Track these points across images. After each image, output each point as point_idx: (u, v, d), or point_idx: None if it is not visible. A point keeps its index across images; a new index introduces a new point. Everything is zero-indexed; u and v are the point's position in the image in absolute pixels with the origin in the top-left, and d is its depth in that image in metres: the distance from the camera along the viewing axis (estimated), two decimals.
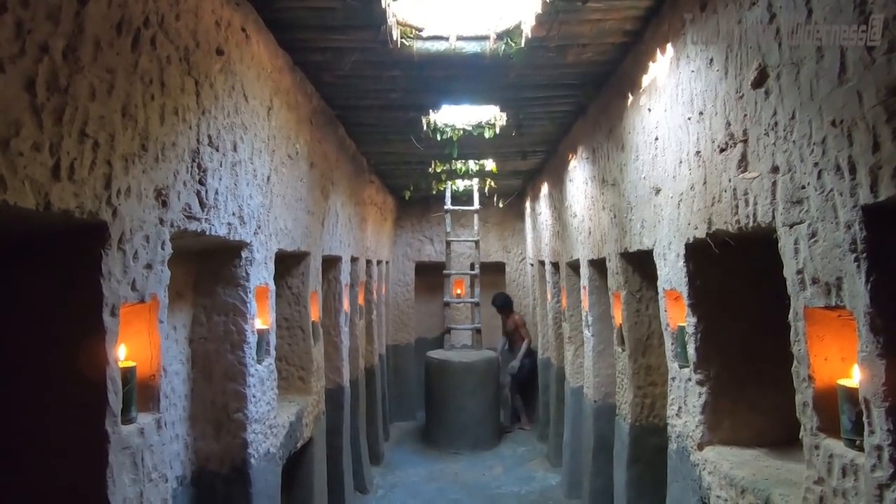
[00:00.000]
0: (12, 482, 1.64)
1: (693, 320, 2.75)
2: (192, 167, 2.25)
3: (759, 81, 1.96)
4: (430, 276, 10.16)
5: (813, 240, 1.70)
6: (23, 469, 1.64)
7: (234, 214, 2.68)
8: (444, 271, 8.93)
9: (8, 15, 1.28)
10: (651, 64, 3.12)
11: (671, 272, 2.98)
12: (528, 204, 9.28)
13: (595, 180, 4.64)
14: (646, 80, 3.23)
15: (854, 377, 1.70)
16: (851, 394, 1.65)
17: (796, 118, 1.74)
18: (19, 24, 1.31)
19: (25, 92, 1.35)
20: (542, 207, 7.65)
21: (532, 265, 9.40)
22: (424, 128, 5.13)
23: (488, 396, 8.09)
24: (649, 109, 3.20)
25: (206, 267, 2.93)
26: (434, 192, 8.97)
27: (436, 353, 8.43)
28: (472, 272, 9.01)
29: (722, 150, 2.30)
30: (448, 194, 8.74)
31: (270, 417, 3.23)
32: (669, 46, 2.84)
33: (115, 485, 1.69)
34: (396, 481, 6.72)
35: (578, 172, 5.27)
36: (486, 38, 3.55)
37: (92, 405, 1.66)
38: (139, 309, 1.98)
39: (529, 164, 7.19)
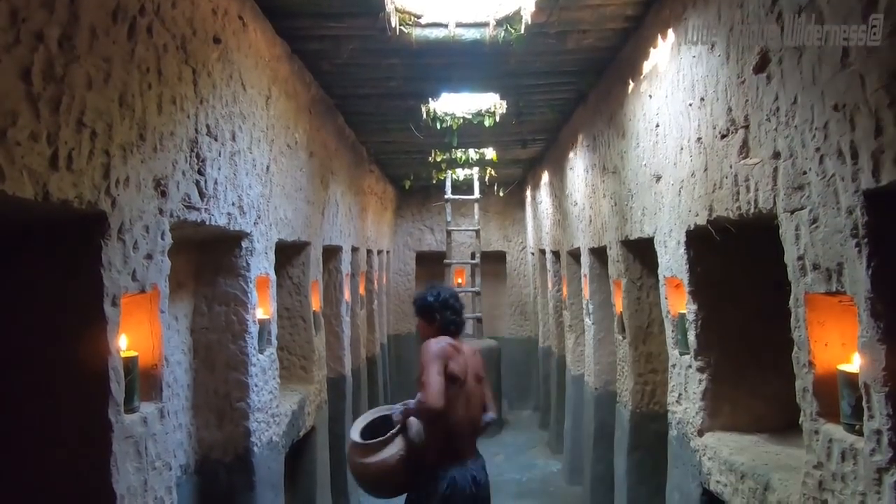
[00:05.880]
0: (16, 471, 1.65)
1: (693, 307, 2.75)
2: (190, 157, 2.24)
3: (761, 66, 1.95)
4: (431, 265, 10.16)
5: (814, 225, 1.69)
6: (27, 459, 1.65)
7: (233, 204, 2.67)
8: (445, 261, 8.93)
9: (2, 3, 1.26)
10: (652, 50, 3.09)
11: (672, 259, 2.97)
12: (528, 193, 9.26)
13: (596, 168, 4.62)
14: (647, 66, 3.20)
15: (854, 362, 1.70)
16: (851, 379, 1.65)
17: (798, 103, 1.73)
18: (14, 13, 1.30)
19: (21, 81, 1.34)
20: (543, 196, 7.63)
21: (533, 254, 9.39)
22: (424, 116, 5.10)
23: (489, 385, 8.11)
24: (650, 96, 3.18)
25: (207, 257, 2.93)
26: (434, 182, 8.95)
27: None
28: (473, 261, 9.01)
29: (723, 136, 2.29)
30: (448, 183, 8.72)
31: (273, 406, 3.24)
32: (670, 32, 2.82)
33: (118, 473, 1.70)
34: None
35: (579, 160, 5.25)
36: (485, 24, 3.52)
37: (94, 395, 1.66)
38: (140, 299, 1.98)
39: (530, 152, 7.17)
